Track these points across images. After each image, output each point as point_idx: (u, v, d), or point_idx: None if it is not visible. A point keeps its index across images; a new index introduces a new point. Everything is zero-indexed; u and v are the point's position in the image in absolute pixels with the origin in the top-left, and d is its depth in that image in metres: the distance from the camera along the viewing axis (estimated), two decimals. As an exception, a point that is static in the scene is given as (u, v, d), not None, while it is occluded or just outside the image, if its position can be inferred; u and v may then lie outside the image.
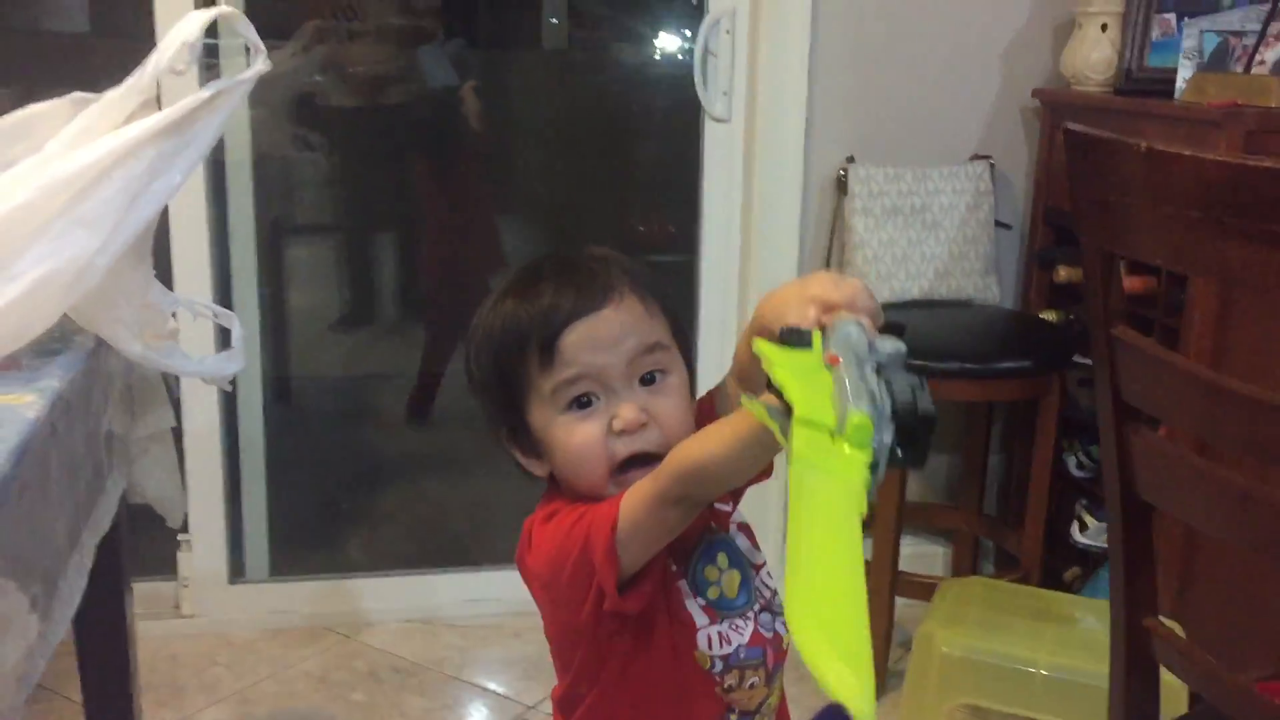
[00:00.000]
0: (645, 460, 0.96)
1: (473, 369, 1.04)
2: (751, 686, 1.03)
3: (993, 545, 2.59)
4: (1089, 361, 1.60)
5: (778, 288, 0.87)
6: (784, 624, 1.04)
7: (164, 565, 2.41)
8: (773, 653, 1.04)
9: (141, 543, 2.27)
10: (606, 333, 0.96)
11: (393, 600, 2.51)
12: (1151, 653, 1.21)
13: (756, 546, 1.07)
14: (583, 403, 0.97)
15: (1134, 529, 1.20)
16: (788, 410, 0.68)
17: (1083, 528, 2.27)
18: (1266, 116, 1.89)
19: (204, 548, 2.39)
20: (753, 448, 0.83)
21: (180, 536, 2.36)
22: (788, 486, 0.63)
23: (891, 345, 0.71)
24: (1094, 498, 2.32)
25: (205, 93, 1.14)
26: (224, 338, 1.36)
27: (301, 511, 2.86)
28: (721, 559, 1.03)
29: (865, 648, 0.55)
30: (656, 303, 1.00)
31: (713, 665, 1.01)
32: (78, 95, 1.16)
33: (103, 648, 1.61)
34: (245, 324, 2.49)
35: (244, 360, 1.27)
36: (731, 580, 1.03)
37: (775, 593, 1.06)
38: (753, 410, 0.73)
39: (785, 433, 0.68)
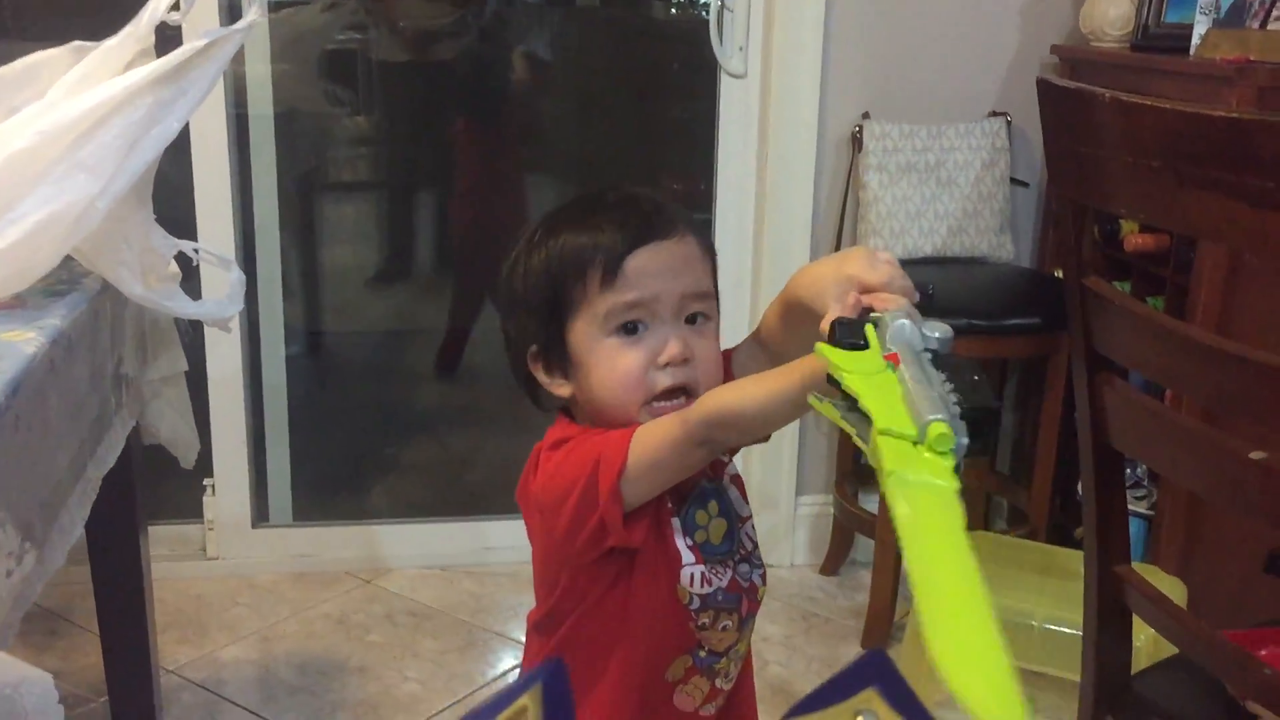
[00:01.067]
0: (677, 393, 1.00)
1: (516, 284, 1.05)
2: (724, 629, 1.06)
3: (1004, 502, 2.60)
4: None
5: (813, 263, 0.95)
6: (761, 576, 1.10)
7: (192, 510, 2.48)
8: (748, 601, 1.07)
9: (170, 488, 2.36)
10: (669, 262, 1.00)
11: (412, 547, 2.57)
12: (1123, 599, 1.23)
13: (745, 500, 1.11)
14: (630, 328, 0.99)
15: (1105, 477, 1.21)
16: (863, 416, 0.69)
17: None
18: (1279, 73, 1.87)
19: (229, 493, 2.45)
20: (786, 407, 0.87)
21: (206, 481, 2.43)
22: (887, 499, 0.63)
23: (940, 331, 0.74)
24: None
25: (200, 42, 1.17)
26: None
27: (325, 459, 2.93)
28: (712, 506, 1.07)
29: (1009, 670, 0.51)
30: (708, 251, 1.04)
31: (690, 601, 1.04)
32: (78, 44, 1.21)
33: (119, 584, 1.68)
34: (267, 276, 2.56)
35: (241, 303, 1.31)
36: (719, 528, 1.07)
37: (756, 545, 1.10)
38: (825, 413, 0.74)
39: (864, 438, 0.69)
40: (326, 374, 3.59)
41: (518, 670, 2.17)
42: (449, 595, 2.45)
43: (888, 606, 2.27)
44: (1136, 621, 1.25)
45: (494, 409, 3.61)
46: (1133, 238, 2.18)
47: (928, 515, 0.61)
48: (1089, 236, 1.17)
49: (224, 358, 2.37)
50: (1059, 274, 2.39)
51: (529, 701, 0.55)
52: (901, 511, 0.61)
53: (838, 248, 2.45)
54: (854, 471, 2.48)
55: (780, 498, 2.57)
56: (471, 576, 2.53)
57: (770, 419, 0.92)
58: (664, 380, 0.99)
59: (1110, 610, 1.25)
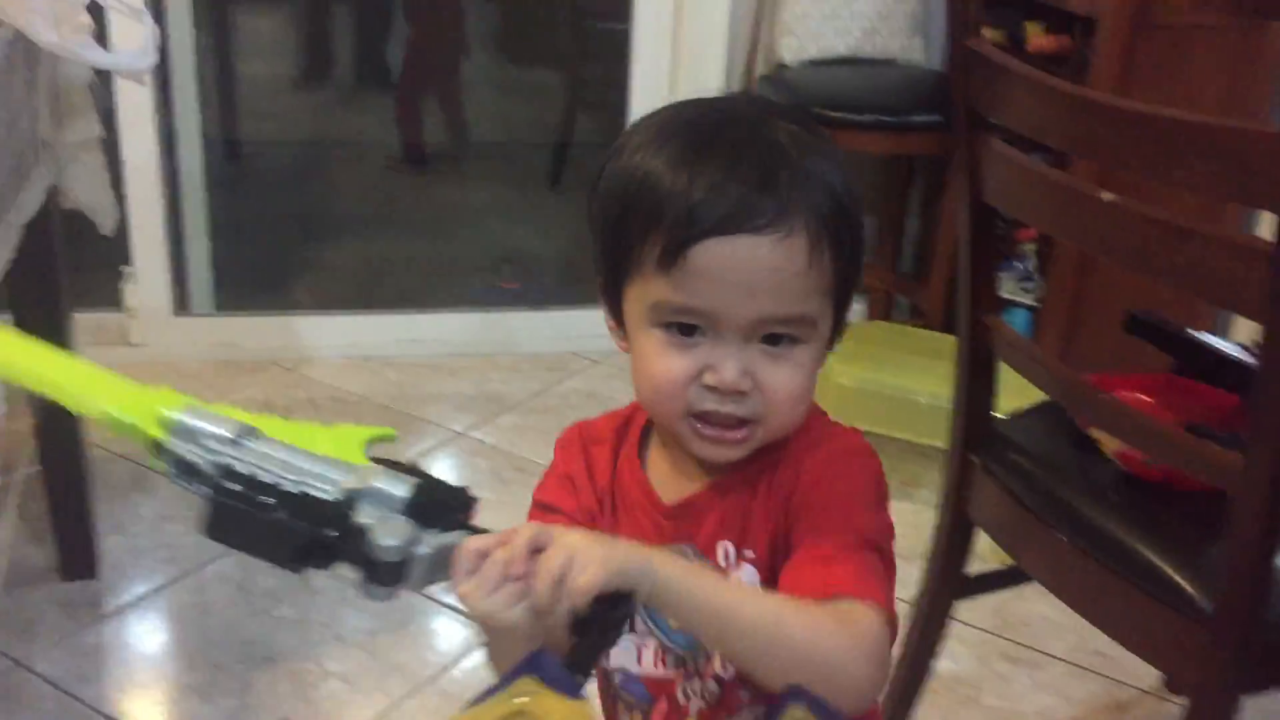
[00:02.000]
0: (735, 422, 0.79)
1: (597, 192, 0.83)
2: None
3: (906, 301, 2.73)
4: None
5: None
6: (702, 713, 0.87)
7: (112, 299, 2.50)
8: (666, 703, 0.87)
9: (89, 277, 2.38)
10: (750, 272, 0.75)
11: (335, 337, 2.63)
12: (990, 345, 1.34)
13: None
14: (684, 328, 0.78)
15: (980, 231, 1.31)
16: None
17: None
18: None
19: (148, 280, 2.48)
20: None
21: (124, 269, 2.46)
22: None
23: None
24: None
25: None
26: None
27: (248, 257, 2.96)
28: None
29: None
30: (832, 249, 0.78)
31: (611, 674, 0.89)
32: None
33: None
34: (181, 84, 2.54)
35: (155, 57, 1.34)
36: None
37: (730, 681, 0.86)
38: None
39: None
40: (245, 179, 3.58)
41: (434, 451, 2.27)
42: (372, 383, 2.53)
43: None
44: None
45: (414, 212, 3.64)
46: (1036, 39, 2.25)
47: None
48: (976, 2, 1.23)
49: (138, 142, 2.36)
50: (966, 76, 2.46)
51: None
52: None
53: (754, 51, 2.49)
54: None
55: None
56: (393, 366, 2.60)
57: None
58: (706, 403, 0.78)
59: (979, 357, 1.36)
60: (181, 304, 2.57)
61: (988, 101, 1.24)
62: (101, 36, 1.46)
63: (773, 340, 0.78)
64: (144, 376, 0.76)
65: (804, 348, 0.79)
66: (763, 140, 0.77)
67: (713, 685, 0.85)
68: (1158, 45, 2.09)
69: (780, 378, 0.78)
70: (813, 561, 0.78)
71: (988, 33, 2.40)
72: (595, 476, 0.88)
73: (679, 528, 0.84)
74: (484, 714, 0.61)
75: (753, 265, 0.75)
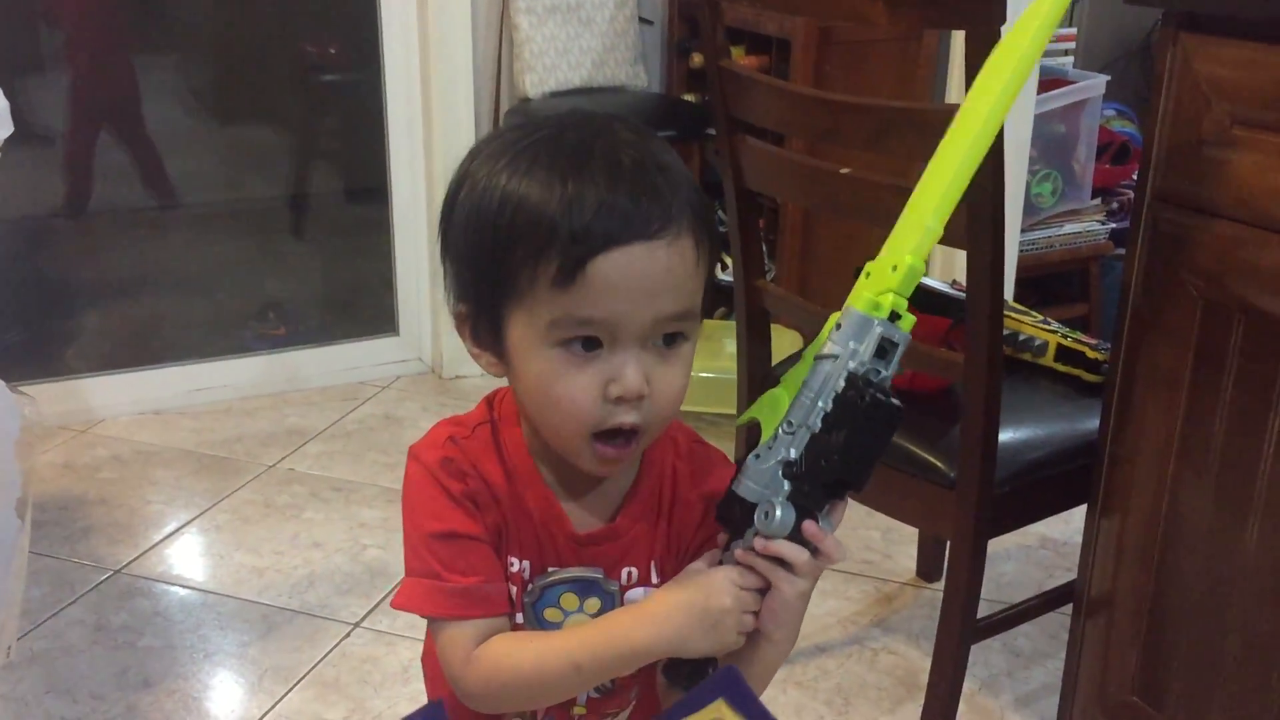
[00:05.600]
0: (624, 436, 0.82)
1: (453, 223, 0.83)
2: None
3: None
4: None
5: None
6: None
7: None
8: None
9: None
10: (649, 275, 0.77)
11: (120, 395, 2.68)
12: (762, 303, 1.66)
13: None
14: (586, 342, 0.79)
15: (745, 212, 1.63)
16: None
17: (724, 268, 2.76)
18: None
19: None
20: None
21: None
22: None
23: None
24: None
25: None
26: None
27: (7, 325, 2.93)
28: (590, 603, 0.91)
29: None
30: (704, 243, 0.81)
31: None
32: None
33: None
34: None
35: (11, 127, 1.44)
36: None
37: (622, 691, 0.96)
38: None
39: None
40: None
41: (251, 484, 2.39)
42: (171, 434, 2.60)
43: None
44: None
45: (146, 261, 3.59)
46: (740, 59, 2.63)
47: None
48: (721, 28, 1.55)
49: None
50: (688, 97, 2.83)
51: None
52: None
53: (498, 86, 2.76)
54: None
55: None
56: (187, 415, 2.69)
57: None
58: (615, 417, 0.80)
59: (755, 315, 1.68)
60: (-40, 380, 2.55)
61: (740, 106, 1.56)
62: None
63: (668, 340, 0.80)
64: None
65: (689, 344, 0.83)
66: (625, 147, 0.79)
67: (607, 682, 0.92)
68: (840, 58, 2.52)
69: (670, 378, 0.81)
70: None
71: (699, 58, 2.80)
72: (496, 494, 0.87)
73: (589, 553, 0.90)
74: None
75: (650, 269, 0.77)
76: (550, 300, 0.77)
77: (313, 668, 1.85)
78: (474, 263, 0.81)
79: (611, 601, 0.90)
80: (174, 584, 2.06)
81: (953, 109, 0.85)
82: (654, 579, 0.91)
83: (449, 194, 0.84)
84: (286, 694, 1.79)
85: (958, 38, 2.40)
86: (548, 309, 0.78)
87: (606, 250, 0.76)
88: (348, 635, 1.92)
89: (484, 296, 0.82)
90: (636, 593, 0.91)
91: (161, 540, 2.19)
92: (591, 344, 0.79)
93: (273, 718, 1.74)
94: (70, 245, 3.61)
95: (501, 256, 0.79)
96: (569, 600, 0.90)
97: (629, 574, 0.90)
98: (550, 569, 0.89)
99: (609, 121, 0.83)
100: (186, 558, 2.15)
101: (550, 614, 0.90)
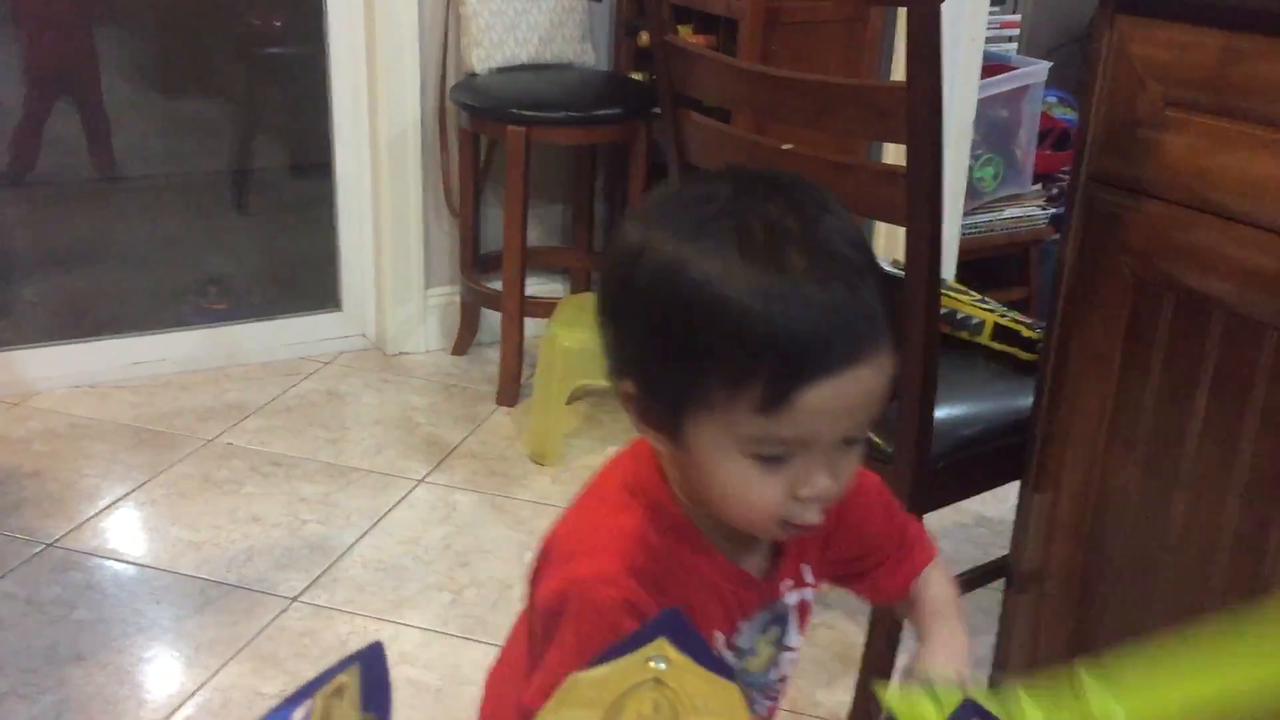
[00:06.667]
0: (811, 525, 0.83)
1: (633, 293, 0.77)
2: None
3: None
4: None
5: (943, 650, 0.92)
6: (770, 709, 0.98)
7: None
8: None
9: None
10: (852, 401, 0.75)
11: (55, 369, 2.64)
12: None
13: (801, 630, 0.96)
14: (775, 457, 0.78)
15: (688, 188, 1.63)
16: None
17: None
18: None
19: None
20: None
21: None
22: None
23: None
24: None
25: None
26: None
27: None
28: (772, 633, 0.92)
29: None
30: (895, 345, 0.78)
31: None
32: None
33: None
34: None
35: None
36: (765, 657, 0.94)
37: (785, 679, 0.97)
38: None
39: None
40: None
41: (190, 457, 2.37)
42: (108, 407, 2.56)
43: (516, 371, 2.67)
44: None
45: (112, 247, 3.58)
46: (687, 38, 2.63)
47: None
48: (667, 3, 1.55)
49: None
50: (636, 76, 2.82)
51: (347, 679, 0.55)
52: None
53: (444, 61, 2.73)
54: (475, 262, 2.83)
55: (411, 292, 2.87)
56: (125, 389, 2.65)
57: None
58: (804, 515, 0.80)
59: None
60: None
61: (685, 82, 1.56)
62: None
63: (850, 440, 0.79)
64: None
65: (862, 442, 0.81)
66: (821, 238, 0.75)
67: (762, 693, 0.95)
68: (787, 37, 2.52)
69: (850, 469, 0.81)
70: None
71: (647, 37, 2.79)
72: (668, 591, 0.83)
73: (767, 587, 0.91)
74: (612, 680, 0.55)
75: (855, 392, 0.75)
76: (749, 421, 0.75)
77: (249, 642, 1.83)
78: (658, 355, 0.77)
79: (784, 617, 0.93)
80: (108, 558, 2.03)
81: (896, 85, 0.85)
82: (807, 578, 0.94)
83: (624, 258, 0.78)
84: (222, 667, 1.77)
85: (903, 16, 2.42)
86: (748, 427, 0.76)
87: (821, 378, 0.73)
88: (285, 610, 1.91)
89: (665, 393, 0.78)
90: (792, 597, 0.93)
91: (96, 514, 2.16)
92: (781, 457, 0.78)
93: (208, 691, 1.73)
94: (7, 214, 3.55)
95: (693, 366, 0.75)
96: (762, 644, 0.92)
97: (786, 585, 0.93)
98: (739, 623, 0.89)
99: (789, 188, 0.78)
100: (121, 532, 2.13)
101: (754, 663, 0.92)
